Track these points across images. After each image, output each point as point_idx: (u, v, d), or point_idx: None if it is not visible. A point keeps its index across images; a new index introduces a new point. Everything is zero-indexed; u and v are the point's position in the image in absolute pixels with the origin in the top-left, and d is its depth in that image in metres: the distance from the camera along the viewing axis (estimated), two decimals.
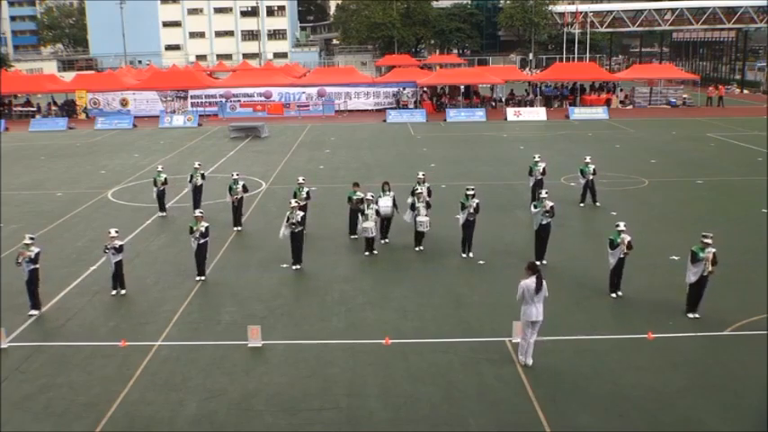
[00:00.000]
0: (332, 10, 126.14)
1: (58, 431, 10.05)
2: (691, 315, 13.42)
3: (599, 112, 46.95)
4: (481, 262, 16.96)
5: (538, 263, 15.90)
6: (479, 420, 10.06)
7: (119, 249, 14.99)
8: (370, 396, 10.80)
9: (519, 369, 11.50)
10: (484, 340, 12.62)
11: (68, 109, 51.99)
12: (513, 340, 12.38)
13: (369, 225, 17.36)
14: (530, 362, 11.58)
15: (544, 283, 11.46)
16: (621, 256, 14.19)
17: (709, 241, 13.13)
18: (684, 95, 53.31)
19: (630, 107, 52.52)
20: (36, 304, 14.29)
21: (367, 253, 17.62)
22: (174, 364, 11.94)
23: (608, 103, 50.59)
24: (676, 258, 16.67)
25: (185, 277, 16.19)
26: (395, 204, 18.23)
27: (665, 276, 15.52)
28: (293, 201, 17.05)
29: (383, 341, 12.64)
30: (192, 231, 15.73)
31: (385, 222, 18.32)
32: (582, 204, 22.14)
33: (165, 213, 22.01)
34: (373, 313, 14.04)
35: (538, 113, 47.31)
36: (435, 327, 13.33)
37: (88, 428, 10.05)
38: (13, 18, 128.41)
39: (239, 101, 50.85)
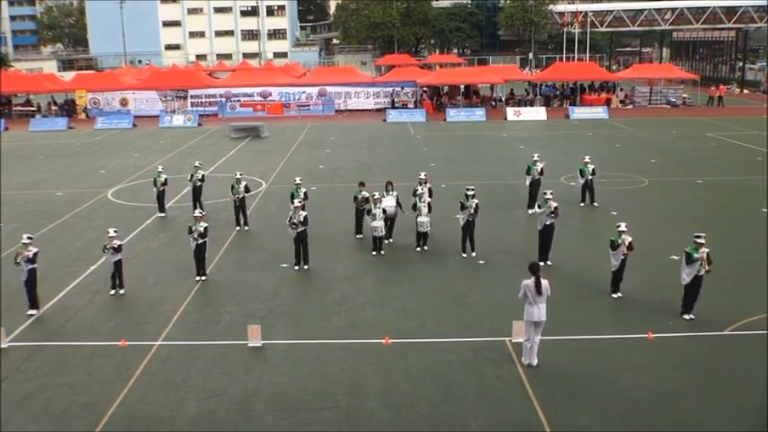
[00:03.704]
0: (332, 9, 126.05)
1: (58, 431, 10.05)
2: (686, 317, 13.38)
3: (599, 112, 46.96)
4: (481, 262, 16.96)
5: (542, 263, 15.90)
6: (479, 420, 10.06)
7: (117, 249, 14.99)
8: (370, 396, 10.79)
9: (519, 369, 11.50)
10: (484, 340, 12.62)
11: (68, 109, 51.98)
12: (513, 340, 12.39)
13: (378, 224, 17.31)
14: (534, 362, 11.56)
15: (544, 283, 11.42)
16: (622, 257, 14.16)
17: (702, 241, 13.11)
18: (684, 95, 53.31)
19: (630, 107, 52.51)
20: (34, 304, 14.27)
21: (374, 252, 17.59)
22: (173, 364, 11.94)
23: (608, 102, 50.56)
24: (676, 258, 16.63)
25: (185, 277, 16.19)
26: (398, 204, 18.21)
27: (665, 276, 15.49)
28: (296, 201, 16.98)
29: (383, 341, 12.64)
30: (190, 231, 15.73)
31: (388, 222, 18.21)
32: (582, 204, 22.16)
33: (163, 214, 21.97)
34: (373, 313, 14.05)
35: (538, 113, 47.29)
36: (435, 326, 13.34)
37: (88, 428, 10.04)
38: (12, 18, 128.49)
39: (239, 100, 50.84)
